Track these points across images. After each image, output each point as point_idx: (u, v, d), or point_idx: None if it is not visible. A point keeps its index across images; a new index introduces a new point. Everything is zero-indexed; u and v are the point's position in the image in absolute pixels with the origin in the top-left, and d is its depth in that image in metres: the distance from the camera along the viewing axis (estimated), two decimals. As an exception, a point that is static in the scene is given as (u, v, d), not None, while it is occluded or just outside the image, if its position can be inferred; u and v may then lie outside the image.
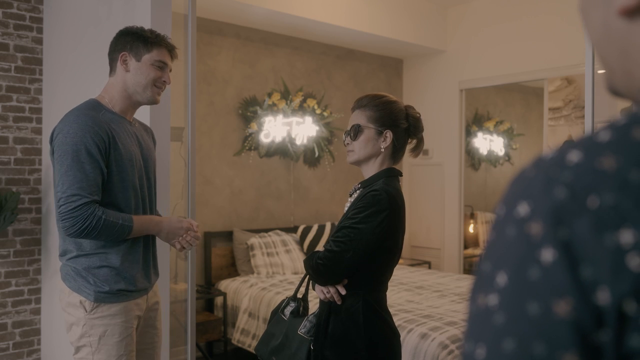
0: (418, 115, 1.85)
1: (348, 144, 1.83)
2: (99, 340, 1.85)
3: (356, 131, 1.81)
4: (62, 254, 1.93)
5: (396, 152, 1.84)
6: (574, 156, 0.40)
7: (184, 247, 2.00)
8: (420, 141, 1.88)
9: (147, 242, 2.00)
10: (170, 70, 2.00)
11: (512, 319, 0.38)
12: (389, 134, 1.79)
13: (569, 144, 0.41)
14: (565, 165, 0.40)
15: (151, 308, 2.06)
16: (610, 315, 0.36)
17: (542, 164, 0.41)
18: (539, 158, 0.43)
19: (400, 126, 1.81)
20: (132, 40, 1.93)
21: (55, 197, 1.82)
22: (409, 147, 1.89)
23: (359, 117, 1.82)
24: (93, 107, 1.90)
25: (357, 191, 1.82)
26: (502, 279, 0.39)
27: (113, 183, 1.86)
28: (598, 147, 0.40)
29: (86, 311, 1.86)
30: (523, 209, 0.40)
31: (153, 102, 1.97)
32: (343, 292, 1.72)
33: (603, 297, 0.36)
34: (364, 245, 1.67)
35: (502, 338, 0.38)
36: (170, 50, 1.99)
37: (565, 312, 0.36)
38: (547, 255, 0.37)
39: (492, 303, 0.39)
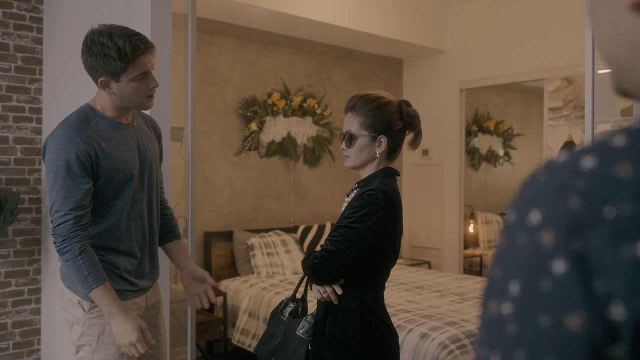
0: (413, 112, 1.80)
1: (344, 149, 1.82)
2: (97, 339, 1.86)
3: (350, 139, 1.78)
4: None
5: (392, 151, 1.81)
6: (588, 162, 0.38)
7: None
8: (418, 134, 1.84)
9: (144, 242, 1.98)
10: (153, 66, 1.85)
11: (524, 330, 0.37)
12: (383, 139, 1.76)
13: (582, 149, 0.40)
14: (579, 172, 0.38)
15: (152, 307, 2.05)
16: (626, 330, 0.35)
17: (555, 169, 0.40)
18: (550, 162, 0.41)
19: (395, 128, 1.77)
20: (103, 64, 1.76)
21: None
22: (406, 139, 1.85)
23: (352, 123, 1.78)
24: (85, 117, 1.85)
25: (354, 191, 1.81)
26: (514, 288, 0.38)
27: (102, 191, 1.86)
28: (613, 152, 0.38)
29: (84, 311, 1.87)
30: (534, 216, 0.39)
31: (146, 108, 1.91)
32: (339, 291, 1.72)
33: (617, 311, 0.35)
34: (361, 244, 1.67)
35: (514, 349, 0.37)
36: (145, 51, 1.80)
37: (577, 326, 0.35)
38: (559, 266, 0.36)
39: (506, 312, 0.39)
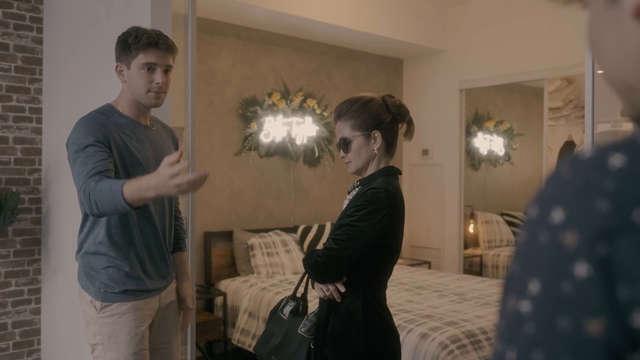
0: (398, 102, 1.83)
1: (343, 157, 1.83)
2: (109, 338, 1.88)
3: (345, 143, 1.81)
4: (77, 250, 1.99)
5: (389, 146, 1.82)
6: (617, 160, 0.37)
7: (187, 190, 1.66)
8: (409, 123, 1.86)
9: (156, 243, 1.99)
10: (170, 68, 1.92)
11: (543, 330, 0.36)
12: (377, 134, 1.78)
13: (610, 145, 0.38)
14: (607, 171, 0.37)
15: (166, 307, 2.07)
16: None
17: (580, 166, 0.39)
18: (575, 157, 0.40)
19: (385, 121, 1.79)
20: (120, 49, 1.90)
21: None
22: (400, 132, 1.86)
23: (343, 129, 1.82)
24: (104, 112, 1.92)
25: (356, 189, 1.82)
26: (535, 287, 0.37)
27: None
28: None
29: (96, 310, 1.89)
30: (558, 215, 0.37)
31: (154, 106, 1.95)
32: (342, 289, 1.72)
33: None
34: (364, 243, 1.67)
35: (532, 348, 0.37)
36: (160, 47, 1.88)
37: (597, 331, 0.34)
38: (582, 269, 0.35)
39: (525, 310, 0.38)
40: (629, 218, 0.35)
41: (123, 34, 1.92)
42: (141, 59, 1.87)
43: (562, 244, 0.37)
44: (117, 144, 1.86)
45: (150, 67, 1.88)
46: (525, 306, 0.38)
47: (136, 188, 1.62)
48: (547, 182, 0.41)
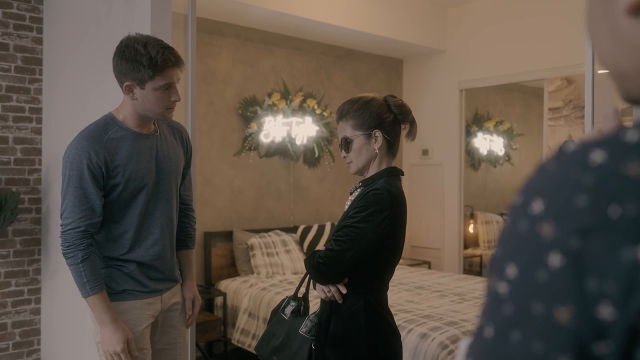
0: (400, 101, 1.83)
1: (345, 157, 1.84)
2: None
3: (346, 143, 1.81)
4: None
5: (391, 146, 1.82)
6: (598, 156, 0.38)
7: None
8: (412, 124, 1.85)
9: (159, 248, 1.99)
10: (179, 80, 1.91)
11: (519, 313, 0.38)
12: (378, 134, 1.78)
13: (594, 140, 0.39)
14: (588, 166, 0.38)
15: (170, 309, 2.08)
16: (615, 330, 0.35)
17: (563, 159, 0.40)
18: (561, 150, 0.41)
19: (386, 120, 1.79)
20: (132, 69, 1.81)
21: None
22: (403, 132, 1.86)
23: (345, 128, 1.82)
24: (103, 127, 1.89)
25: (358, 189, 1.82)
26: (512, 271, 0.39)
27: (115, 200, 1.90)
28: (625, 148, 0.37)
29: None
30: (537, 205, 0.39)
31: (165, 120, 1.96)
32: (344, 291, 1.72)
33: (606, 312, 0.35)
34: (365, 244, 1.67)
35: (510, 328, 0.38)
36: (177, 64, 1.86)
37: (565, 319, 0.36)
38: (555, 260, 0.37)
39: (502, 291, 0.40)
40: (604, 213, 0.36)
41: (128, 49, 1.82)
42: (159, 81, 1.83)
43: (538, 234, 0.38)
44: (108, 162, 1.85)
45: (167, 87, 1.85)
46: (502, 287, 0.40)
47: (98, 310, 1.84)
48: (535, 171, 0.42)
